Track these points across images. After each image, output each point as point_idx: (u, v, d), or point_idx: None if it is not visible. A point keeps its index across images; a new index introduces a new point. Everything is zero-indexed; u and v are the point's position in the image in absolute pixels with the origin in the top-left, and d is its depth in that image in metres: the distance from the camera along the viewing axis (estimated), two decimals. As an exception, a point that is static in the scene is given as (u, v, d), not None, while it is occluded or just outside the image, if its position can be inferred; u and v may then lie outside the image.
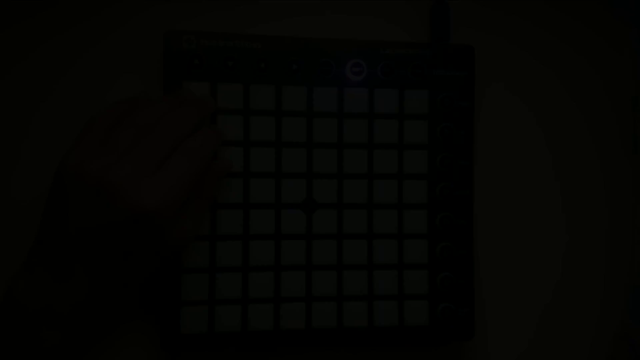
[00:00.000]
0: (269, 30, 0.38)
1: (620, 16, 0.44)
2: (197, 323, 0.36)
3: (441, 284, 0.39)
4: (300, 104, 0.38)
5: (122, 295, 0.34)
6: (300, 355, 0.40)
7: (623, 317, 0.44)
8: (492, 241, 0.42)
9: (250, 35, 0.37)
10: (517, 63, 0.43)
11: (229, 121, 0.37)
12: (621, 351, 0.43)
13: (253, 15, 0.40)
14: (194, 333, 0.36)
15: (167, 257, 0.34)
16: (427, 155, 0.39)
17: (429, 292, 0.39)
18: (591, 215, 0.43)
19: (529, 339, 0.42)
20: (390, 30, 0.41)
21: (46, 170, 0.38)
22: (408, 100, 0.39)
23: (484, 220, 0.42)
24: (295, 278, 0.37)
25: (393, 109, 0.39)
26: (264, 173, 0.37)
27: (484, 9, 0.42)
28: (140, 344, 0.38)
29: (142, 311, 0.38)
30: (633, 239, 0.44)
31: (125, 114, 0.34)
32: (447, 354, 0.42)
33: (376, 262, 0.38)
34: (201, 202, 0.35)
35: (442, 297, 0.39)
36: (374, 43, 0.38)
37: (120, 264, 0.32)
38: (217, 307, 0.37)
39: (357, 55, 0.38)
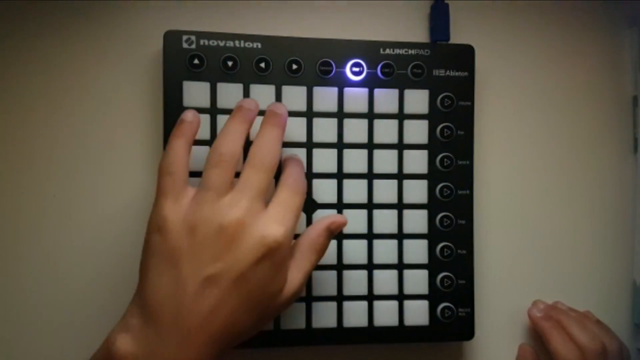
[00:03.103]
0: (269, 30, 0.38)
1: (620, 16, 0.44)
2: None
3: (441, 284, 0.39)
4: (300, 104, 0.38)
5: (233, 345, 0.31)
6: (300, 355, 0.40)
7: (624, 317, 0.44)
8: (492, 241, 0.42)
9: (250, 35, 0.37)
10: (517, 63, 0.43)
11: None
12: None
13: (253, 15, 0.40)
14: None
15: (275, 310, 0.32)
16: (427, 155, 0.39)
17: (429, 292, 0.39)
18: (591, 215, 0.43)
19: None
20: (390, 30, 0.41)
21: (52, 171, 0.38)
22: (408, 100, 0.39)
23: (484, 220, 0.42)
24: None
25: (393, 109, 0.39)
26: (264, 173, 0.37)
27: (484, 9, 0.42)
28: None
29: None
30: (633, 239, 0.44)
31: (190, 148, 0.33)
32: (447, 354, 0.42)
33: (376, 262, 0.38)
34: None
35: (442, 297, 0.39)
36: (374, 43, 0.38)
37: (247, 308, 0.30)
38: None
39: (357, 55, 0.38)
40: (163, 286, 0.29)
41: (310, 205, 0.38)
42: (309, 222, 0.37)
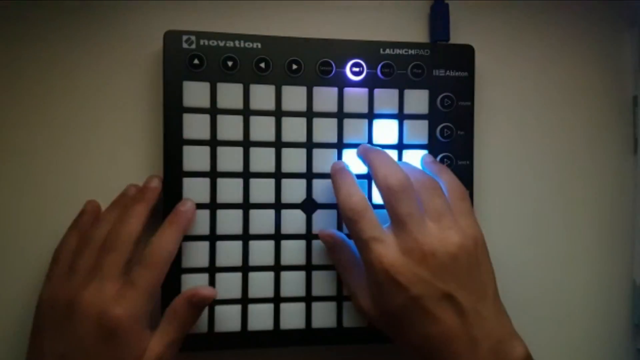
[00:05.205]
0: (269, 30, 0.38)
1: (620, 16, 0.44)
2: (197, 323, 0.36)
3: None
4: (300, 104, 0.38)
5: None
6: (300, 355, 0.39)
7: (624, 317, 0.44)
8: (491, 241, 0.42)
9: (250, 35, 0.37)
10: (517, 63, 0.43)
11: (229, 121, 0.37)
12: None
13: (253, 15, 0.40)
14: (194, 333, 0.36)
15: None
16: (427, 155, 0.39)
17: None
18: (591, 215, 0.43)
19: (529, 339, 0.42)
20: (390, 30, 0.41)
21: (52, 171, 0.38)
22: (408, 100, 0.39)
23: (484, 220, 0.41)
24: (295, 278, 0.37)
25: (393, 109, 0.39)
26: (264, 173, 0.37)
27: (484, 9, 0.42)
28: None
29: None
30: (633, 239, 0.44)
31: (81, 236, 0.35)
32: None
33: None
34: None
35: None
36: (374, 43, 0.38)
37: None
38: (217, 307, 0.37)
39: (357, 55, 0.38)
40: (32, 359, 0.32)
41: (310, 206, 0.38)
42: (309, 222, 0.38)
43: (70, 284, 0.33)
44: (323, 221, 0.38)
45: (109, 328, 0.31)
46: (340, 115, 0.38)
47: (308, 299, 0.38)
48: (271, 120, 0.37)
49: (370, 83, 0.38)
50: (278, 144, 0.37)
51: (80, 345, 0.31)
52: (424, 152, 0.39)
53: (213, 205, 0.37)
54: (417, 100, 0.39)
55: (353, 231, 0.33)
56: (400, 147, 0.39)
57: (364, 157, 0.36)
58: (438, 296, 0.31)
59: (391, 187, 0.33)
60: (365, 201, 0.33)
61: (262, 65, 0.37)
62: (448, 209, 0.33)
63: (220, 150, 0.37)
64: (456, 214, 0.34)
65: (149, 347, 0.33)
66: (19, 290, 0.37)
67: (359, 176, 0.37)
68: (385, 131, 0.38)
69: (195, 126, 0.36)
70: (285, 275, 0.37)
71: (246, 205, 0.37)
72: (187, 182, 0.36)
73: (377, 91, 0.38)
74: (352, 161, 0.37)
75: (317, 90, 0.38)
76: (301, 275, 0.37)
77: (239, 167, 0.37)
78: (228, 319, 0.37)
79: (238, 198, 0.37)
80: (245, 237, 0.37)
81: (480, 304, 0.32)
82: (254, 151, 0.37)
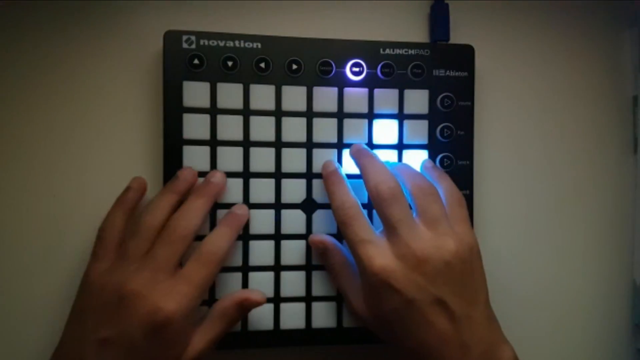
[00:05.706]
0: (269, 30, 0.38)
1: (620, 16, 0.44)
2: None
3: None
4: (299, 104, 0.38)
5: None
6: (300, 355, 0.40)
7: (624, 317, 0.44)
8: (491, 241, 0.42)
9: (250, 35, 0.37)
10: (517, 63, 0.43)
11: (229, 121, 0.37)
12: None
13: (253, 15, 0.40)
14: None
15: None
16: (427, 156, 0.39)
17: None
18: (591, 215, 0.43)
19: (529, 339, 0.42)
20: (390, 30, 0.41)
21: (52, 171, 0.38)
22: (408, 100, 0.39)
23: (483, 221, 0.42)
24: (295, 278, 0.37)
25: (393, 109, 0.39)
26: (264, 173, 0.37)
27: (484, 9, 0.42)
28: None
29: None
30: (633, 239, 0.44)
31: (129, 216, 0.35)
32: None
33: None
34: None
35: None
36: (374, 43, 0.38)
37: None
38: (217, 307, 0.37)
39: (357, 55, 0.38)
40: (71, 339, 0.32)
41: (310, 206, 0.38)
42: (309, 222, 0.38)
43: (120, 269, 0.32)
44: (323, 221, 0.38)
45: (159, 322, 0.31)
46: (340, 115, 0.38)
47: (308, 299, 0.38)
48: (271, 120, 0.37)
49: (370, 83, 0.38)
50: (278, 144, 0.37)
51: (126, 334, 0.30)
52: (424, 152, 0.39)
53: (213, 205, 0.37)
54: (417, 100, 0.39)
55: (345, 234, 0.34)
56: (400, 147, 0.39)
57: (356, 159, 0.36)
58: (430, 301, 0.31)
59: (381, 194, 0.33)
60: (358, 206, 0.34)
61: (262, 65, 0.37)
62: (444, 216, 0.33)
63: (220, 150, 0.37)
64: (452, 221, 0.34)
65: (192, 342, 0.33)
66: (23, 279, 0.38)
67: (356, 176, 0.37)
68: (385, 131, 0.38)
69: (195, 126, 0.36)
70: (285, 275, 0.37)
71: (246, 205, 0.37)
72: (187, 182, 0.36)
73: (377, 91, 0.38)
74: (350, 162, 0.37)
75: (317, 90, 0.38)
76: (301, 275, 0.37)
77: (239, 167, 0.37)
78: (228, 319, 0.37)
79: (238, 198, 0.37)
80: (246, 237, 0.37)
81: (472, 310, 0.32)
82: (254, 151, 0.37)
